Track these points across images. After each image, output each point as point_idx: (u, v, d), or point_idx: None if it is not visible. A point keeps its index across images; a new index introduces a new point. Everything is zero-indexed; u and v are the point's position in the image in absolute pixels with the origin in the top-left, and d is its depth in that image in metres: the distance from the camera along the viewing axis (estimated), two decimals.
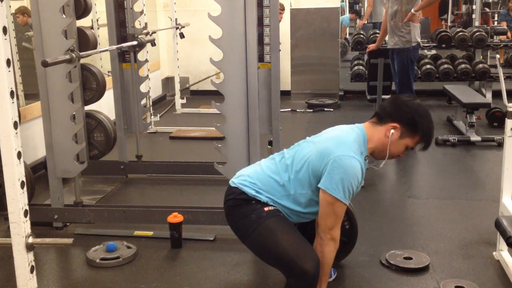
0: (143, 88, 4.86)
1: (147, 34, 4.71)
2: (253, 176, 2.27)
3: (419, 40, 5.10)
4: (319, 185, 2.13)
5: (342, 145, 2.14)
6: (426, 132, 2.24)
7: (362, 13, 12.66)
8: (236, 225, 2.27)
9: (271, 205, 2.20)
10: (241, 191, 2.24)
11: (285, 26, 7.42)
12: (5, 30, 1.49)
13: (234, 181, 2.31)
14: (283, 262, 2.12)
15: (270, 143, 3.90)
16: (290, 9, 7.67)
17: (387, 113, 2.25)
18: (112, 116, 4.40)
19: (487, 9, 9.77)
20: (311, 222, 2.35)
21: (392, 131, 2.20)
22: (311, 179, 2.17)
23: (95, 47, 3.81)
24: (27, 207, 1.59)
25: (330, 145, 2.16)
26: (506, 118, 2.86)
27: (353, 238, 2.87)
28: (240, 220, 2.22)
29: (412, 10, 4.95)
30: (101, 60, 6.18)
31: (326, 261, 2.18)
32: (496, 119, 5.92)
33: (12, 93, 1.51)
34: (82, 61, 3.81)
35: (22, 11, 5.35)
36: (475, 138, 5.33)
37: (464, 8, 10.58)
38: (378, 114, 2.28)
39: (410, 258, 3.01)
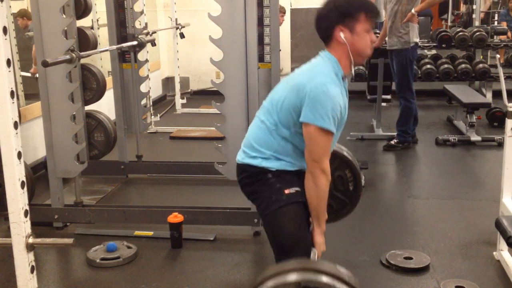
0: (143, 88, 4.86)
1: (147, 34, 4.72)
2: (247, 142, 2.24)
3: (417, 40, 5.08)
4: (300, 120, 2.07)
5: (315, 75, 2.10)
6: (360, 4, 2.14)
7: None
8: (257, 202, 2.23)
9: (292, 187, 2.15)
10: (249, 165, 2.21)
11: (285, 26, 7.41)
12: (5, 30, 1.49)
13: (238, 158, 2.29)
14: (283, 255, 2.11)
15: None
16: (290, 9, 7.67)
17: (323, 28, 2.18)
18: (112, 116, 4.40)
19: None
20: None
21: (341, 33, 2.13)
22: (293, 117, 2.10)
23: (95, 47, 3.81)
24: (27, 207, 1.59)
25: (303, 78, 2.11)
26: (506, 118, 2.86)
27: (354, 200, 2.72)
28: (260, 197, 2.18)
29: (413, 11, 4.94)
30: (101, 60, 6.18)
31: (322, 195, 2.11)
32: (496, 119, 5.92)
33: (12, 93, 1.52)
34: (82, 61, 3.81)
35: (21, 14, 5.35)
36: (475, 138, 5.33)
37: (464, 8, 10.57)
38: (321, 36, 2.21)
39: (410, 258, 3.01)
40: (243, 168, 2.24)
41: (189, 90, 8.11)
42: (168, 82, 8.22)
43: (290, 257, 2.03)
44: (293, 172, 2.20)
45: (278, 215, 2.15)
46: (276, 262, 2.15)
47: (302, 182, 2.16)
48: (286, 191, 2.14)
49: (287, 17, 7.59)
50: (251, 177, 2.21)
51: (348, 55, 2.13)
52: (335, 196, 2.34)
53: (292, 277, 1.68)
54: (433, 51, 7.64)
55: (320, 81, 2.05)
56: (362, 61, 2.21)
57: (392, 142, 5.24)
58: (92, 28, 5.80)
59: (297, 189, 2.17)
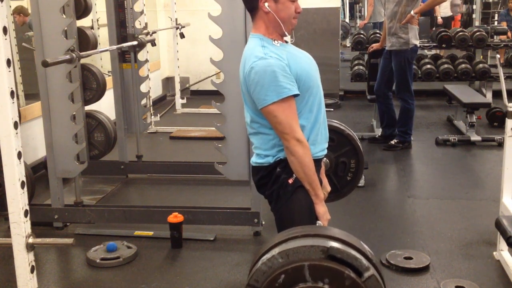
0: (143, 88, 4.86)
1: (147, 34, 4.72)
2: (254, 148, 2.27)
3: (416, 42, 5.06)
4: (259, 109, 2.10)
5: (244, 63, 2.12)
6: None
7: (363, 13, 12.68)
8: (269, 199, 2.26)
9: (292, 174, 2.17)
10: (261, 165, 2.22)
11: None
12: (5, 30, 1.49)
13: (252, 159, 2.30)
14: None
15: None
16: None
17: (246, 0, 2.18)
18: (112, 116, 4.40)
19: None
20: None
21: (266, 4, 2.12)
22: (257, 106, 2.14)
23: (95, 47, 3.81)
24: (27, 207, 1.59)
25: (240, 71, 2.15)
26: (506, 118, 2.86)
27: (346, 190, 2.69)
28: (270, 194, 2.21)
29: (412, 12, 4.92)
30: (101, 60, 6.18)
31: (304, 164, 2.10)
32: (496, 119, 5.92)
33: (12, 93, 1.52)
34: (82, 61, 3.81)
35: (18, 10, 5.37)
36: (475, 138, 5.33)
37: (464, 8, 10.59)
38: (247, 8, 2.20)
39: (410, 258, 3.01)
40: (258, 169, 2.25)
41: (187, 86, 8.06)
42: (168, 82, 8.22)
43: None
44: None
45: (286, 211, 2.16)
46: None
47: None
48: (290, 181, 2.14)
49: None
50: (265, 178, 2.22)
51: (277, 22, 2.14)
52: (330, 178, 2.30)
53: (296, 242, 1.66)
54: (433, 51, 7.65)
55: (248, 67, 2.07)
56: (290, 30, 2.21)
57: (392, 142, 5.24)
58: (92, 28, 5.80)
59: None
